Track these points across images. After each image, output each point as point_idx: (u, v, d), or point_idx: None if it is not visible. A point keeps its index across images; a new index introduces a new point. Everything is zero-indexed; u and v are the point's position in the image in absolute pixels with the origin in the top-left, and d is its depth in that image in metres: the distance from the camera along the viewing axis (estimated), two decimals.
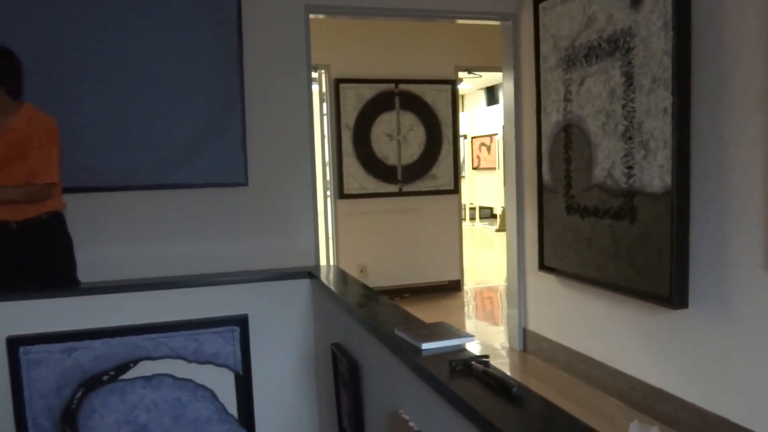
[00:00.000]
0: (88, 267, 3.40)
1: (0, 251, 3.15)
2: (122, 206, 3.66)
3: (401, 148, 6.55)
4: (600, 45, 3.61)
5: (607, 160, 3.58)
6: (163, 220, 3.74)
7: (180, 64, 3.68)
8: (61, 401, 2.85)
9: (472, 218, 13.50)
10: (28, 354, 2.81)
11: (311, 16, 4.02)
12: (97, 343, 2.87)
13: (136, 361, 2.91)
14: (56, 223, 3.23)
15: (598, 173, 3.66)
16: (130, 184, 3.63)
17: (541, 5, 4.19)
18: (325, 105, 6.44)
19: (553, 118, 4.12)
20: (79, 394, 2.87)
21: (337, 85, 6.31)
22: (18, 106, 3.06)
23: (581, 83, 3.79)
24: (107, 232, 3.64)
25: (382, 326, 2.04)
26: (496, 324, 5.79)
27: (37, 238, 3.13)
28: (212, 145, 3.73)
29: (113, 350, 2.89)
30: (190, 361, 2.97)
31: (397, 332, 1.89)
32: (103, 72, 3.58)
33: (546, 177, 4.23)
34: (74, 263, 3.32)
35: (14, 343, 2.78)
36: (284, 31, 3.90)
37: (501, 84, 5.67)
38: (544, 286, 4.46)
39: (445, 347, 1.73)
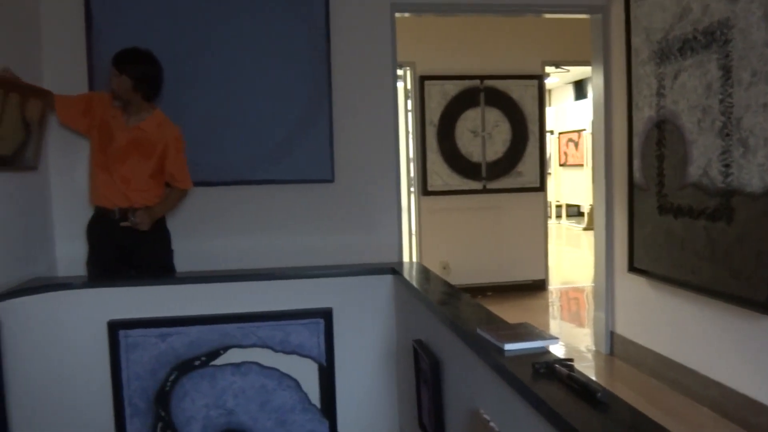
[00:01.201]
0: (184, 257, 3.56)
1: (102, 239, 3.37)
2: (217, 200, 3.81)
3: (486, 144, 6.49)
4: (695, 37, 3.46)
5: (702, 158, 3.43)
6: (254, 214, 3.86)
7: (272, 64, 3.79)
8: (156, 383, 3.01)
9: (558, 216, 13.22)
10: (127, 338, 2.97)
11: (397, 14, 4.04)
12: (191, 330, 3.01)
13: (226, 348, 3.03)
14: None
15: (693, 171, 3.52)
16: (225, 179, 3.77)
17: None
18: (409, 102, 6.46)
19: (645, 113, 3.98)
20: (172, 378, 3.01)
21: (421, 82, 6.32)
22: (149, 108, 3.33)
23: (675, 77, 3.65)
24: (203, 225, 3.79)
25: (465, 325, 2.04)
26: (581, 326, 5.66)
27: (140, 229, 3.31)
28: (301, 143, 3.82)
29: (205, 337, 3.02)
30: (276, 351, 3.06)
31: (480, 332, 1.89)
32: (204, 72, 3.73)
33: (637, 175, 4.10)
34: (171, 253, 3.49)
35: (115, 327, 2.95)
36: (370, 30, 3.94)
37: (590, 78, 5.52)
38: (633, 288, 4.33)
39: (529, 349, 1.72)
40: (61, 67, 3.56)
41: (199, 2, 3.71)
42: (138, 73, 3.22)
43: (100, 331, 2.93)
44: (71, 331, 2.92)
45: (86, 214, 3.45)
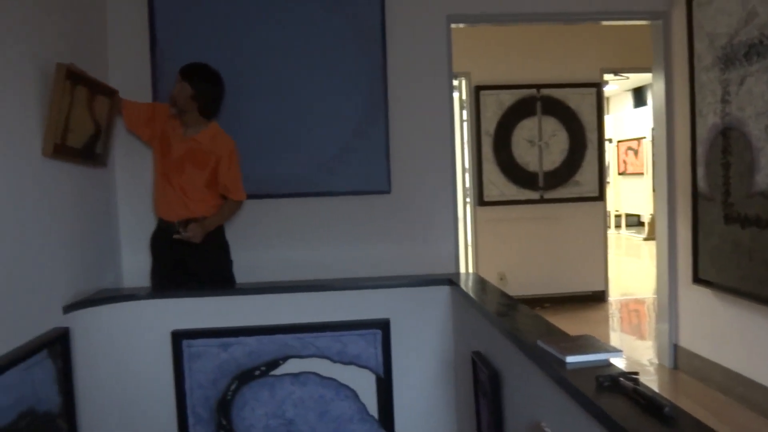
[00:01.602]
0: (243, 268, 3.62)
1: (163, 251, 3.46)
2: (275, 212, 3.87)
3: (543, 154, 6.42)
4: (762, 42, 3.36)
5: None
6: (311, 226, 3.91)
7: (329, 77, 3.84)
8: (217, 392, 3.07)
9: (618, 226, 12.93)
10: (190, 347, 3.05)
11: (453, 25, 4.04)
12: (251, 340, 3.06)
13: (285, 359, 3.07)
14: (216, 228, 3.49)
15: (761, 180, 3.40)
16: (283, 191, 3.83)
17: (695, 2, 3.96)
18: (465, 112, 6.44)
19: (709, 120, 3.87)
20: (233, 387, 3.07)
21: (477, 92, 6.30)
22: (205, 122, 3.41)
23: (741, 83, 3.54)
24: (261, 236, 3.85)
25: (524, 336, 2.02)
26: (643, 339, 5.52)
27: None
28: (357, 154, 3.86)
29: (265, 347, 3.06)
30: (334, 361, 3.09)
31: (540, 343, 1.87)
32: (261, 85, 3.80)
33: (701, 183, 3.98)
34: (231, 264, 3.56)
35: (178, 337, 3.02)
36: (426, 41, 3.95)
37: (650, 85, 5.40)
38: (698, 299, 4.20)
39: (591, 361, 1.69)
40: (126, 76, 3.66)
41: (257, 16, 3.79)
42: (200, 86, 3.31)
43: (164, 341, 3.02)
44: (137, 340, 3.01)
45: (151, 225, 3.56)
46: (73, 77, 2.83)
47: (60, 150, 2.76)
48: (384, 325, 3.09)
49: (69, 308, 2.81)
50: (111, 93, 3.29)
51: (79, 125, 2.95)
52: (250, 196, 3.67)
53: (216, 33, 3.76)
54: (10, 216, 2.40)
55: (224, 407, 3.07)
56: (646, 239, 11.22)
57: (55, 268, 2.78)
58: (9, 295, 2.36)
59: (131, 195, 3.70)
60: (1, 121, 2.38)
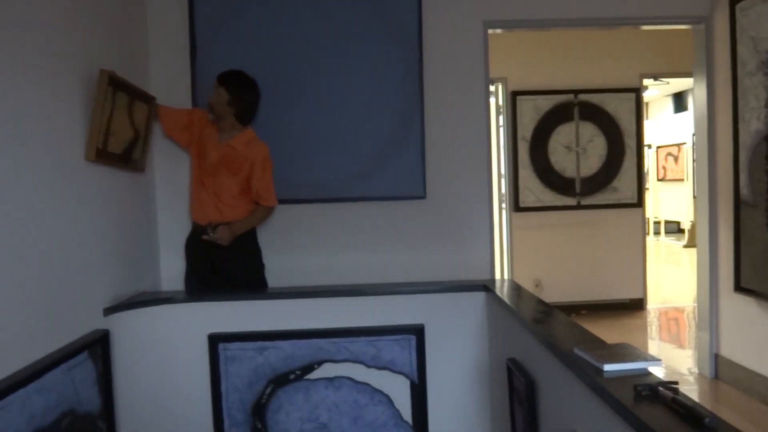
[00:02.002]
0: (277, 272, 3.66)
1: (196, 253, 3.52)
2: (310, 217, 3.90)
3: (580, 159, 6.35)
4: None
5: None
6: (346, 230, 3.92)
7: (365, 82, 3.85)
8: (253, 396, 3.09)
9: (657, 233, 12.71)
10: (226, 351, 3.08)
11: (489, 31, 4.03)
12: (286, 344, 3.08)
13: (320, 363, 3.08)
14: (248, 232, 3.53)
15: None
16: (318, 196, 3.86)
17: (738, 6, 3.88)
18: (501, 117, 6.41)
19: (752, 126, 3.79)
20: (268, 390, 3.09)
21: (513, 97, 6.26)
22: (241, 128, 3.47)
23: None
24: (296, 241, 3.88)
25: (561, 344, 2.00)
26: (682, 347, 5.41)
27: (230, 243, 3.41)
28: (393, 159, 3.86)
29: (300, 351, 3.08)
30: (368, 366, 3.09)
31: (577, 351, 1.85)
32: (297, 90, 3.84)
33: (744, 191, 3.89)
34: (262, 268, 3.59)
35: (215, 340, 3.06)
36: (463, 47, 3.94)
37: (690, 90, 5.31)
38: (740, 308, 4.10)
39: (629, 370, 1.67)
40: (166, 82, 3.73)
41: (294, 22, 3.83)
42: (235, 91, 3.37)
43: (201, 344, 3.06)
44: (174, 343, 3.06)
45: (189, 229, 3.61)
46: (115, 83, 2.89)
47: (102, 154, 2.83)
48: (418, 331, 3.08)
49: (109, 311, 2.87)
50: (149, 99, 3.36)
51: (120, 130, 3.02)
52: (286, 201, 3.70)
53: (255, 39, 3.80)
54: (54, 219, 2.46)
55: (259, 411, 3.09)
56: (685, 246, 11.02)
57: (96, 271, 2.84)
58: (51, 297, 2.42)
59: (170, 200, 3.76)
60: (47, 126, 2.44)
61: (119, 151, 3.06)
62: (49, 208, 2.43)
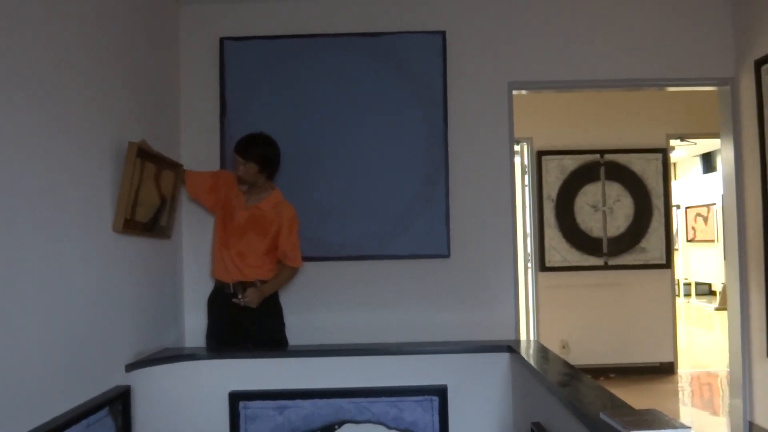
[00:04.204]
0: (299, 330, 3.65)
1: (219, 311, 3.53)
2: (334, 275, 3.91)
3: (607, 219, 6.30)
4: None
5: None
6: (370, 289, 3.91)
7: (390, 142, 3.91)
8: None
9: (687, 294, 12.47)
10: (246, 409, 3.05)
11: (514, 92, 4.08)
12: (306, 403, 3.05)
13: (340, 424, 3.04)
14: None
15: None
16: (342, 254, 3.88)
17: (763, 67, 3.89)
18: (526, 177, 6.41)
19: None
20: None
21: (539, 157, 6.28)
22: (270, 189, 3.54)
23: None
24: (319, 299, 3.88)
25: (587, 409, 1.95)
26: (716, 414, 5.22)
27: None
28: (417, 218, 3.88)
29: (320, 411, 3.04)
30: (390, 428, 3.03)
31: (603, 417, 1.80)
32: (325, 150, 3.91)
33: None
34: (284, 327, 3.59)
35: (236, 398, 3.04)
36: (488, 107, 3.99)
37: (718, 150, 5.28)
38: None
39: None
40: (197, 149, 3.86)
41: (320, 84, 3.93)
42: (263, 159, 3.43)
43: (221, 401, 3.04)
44: (195, 400, 3.04)
45: (211, 286, 3.63)
46: (143, 155, 2.97)
47: (129, 225, 2.90)
48: (441, 392, 3.03)
49: (131, 367, 2.87)
50: (176, 167, 3.44)
51: (147, 200, 3.09)
52: (310, 259, 3.72)
53: (283, 101, 3.93)
54: (80, 283, 2.52)
55: None
56: (717, 309, 10.76)
57: (119, 327, 2.86)
58: (74, 353, 2.44)
59: (196, 261, 3.84)
60: (76, 197, 2.52)
61: (146, 220, 3.14)
62: (76, 272, 2.49)
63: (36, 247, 2.21)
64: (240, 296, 3.37)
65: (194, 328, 3.75)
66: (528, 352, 3.01)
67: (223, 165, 3.83)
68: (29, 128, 2.19)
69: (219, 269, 3.51)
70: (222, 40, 3.91)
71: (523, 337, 5.18)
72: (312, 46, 3.93)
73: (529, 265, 6.43)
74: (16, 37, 2.13)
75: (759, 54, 3.92)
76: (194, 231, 3.83)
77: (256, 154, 3.41)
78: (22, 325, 2.12)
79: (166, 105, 3.66)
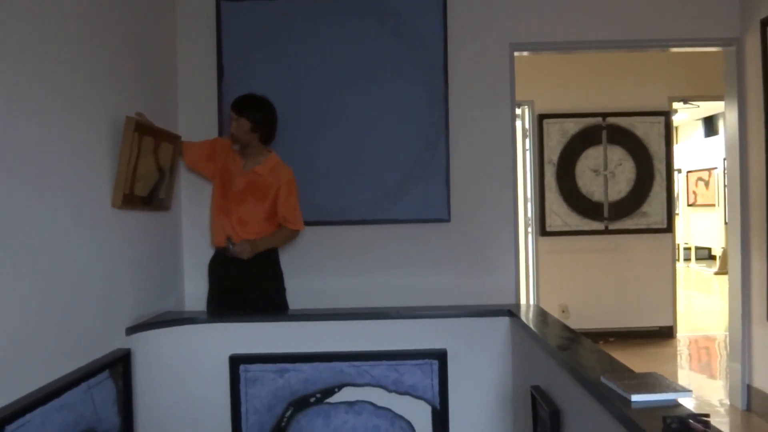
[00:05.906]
0: (299, 295, 3.64)
1: (218, 275, 3.53)
2: (334, 240, 3.89)
3: (608, 183, 6.26)
4: None
5: None
6: (370, 253, 3.91)
7: (391, 104, 3.86)
8: (272, 419, 3.06)
9: (687, 259, 12.50)
10: (246, 372, 3.06)
11: (516, 53, 4.01)
12: (306, 367, 3.05)
13: (340, 387, 3.05)
14: (271, 255, 3.53)
15: None
16: (342, 218, 3.86)
17: None
18: (527, 140, 6.36)
19: None
20: (288, 414, 3.06)
21: (540, 120, 6.22)
22: (266, 152, 3.49)
23: None
24: (319, 263, 3.88)
25: (587, 372, 1.94)
26: (713, 378, 5.26)
27: (252, 265, 3.43)
28: (418, 182, 3.85)
29: (320, 374, 3.05)
30: (389, 391, 3.05)
31: (604, 380, 1.79)
32: (324, 115, 3.87)
33: None
34: (284, 291, 3.58)
35: (236, 362, 3.04)
36: (489, 70, 3.93)
37: (721, 114, 5.23)
38: None
39: (658, 401, 1.61)
40: (194, 116, 3.81)
41: (319, 46, 3.86)
42: (256, 117, 3.38)
43: (222, 365, 3.04)
44: (195, 363, 3.05)
45: (211, 253, 3.62)
46: (141, 129, 2.93)
47: (128, 200, 2.88)
48: (441, 356, 3.03)
49: (131, 330, 2.88)
50: (174, 139, 3.40)
51: (146, 174, 3.07)
52: (310, 223, 3.70)
53: (282, 64, 3.86)
54: (79, 253, 2.51)
55: None
56: (717, 273, 10.80)
57: (119, 291, 2.86)
58: (74, 316, 2.43)
59: (195, 228, 3.82)
60: (74, 174, 2.49)
61: (145, 194, 3.12)
62: (76, 244, 2.49)
63: (35, 220, 2.20)
64: (231, 246, 3.33)
65: (195, 293, 3.75)
66: (528, 316, 3.01)
67: (221, 133, 3.79)
68: (26, 104, 2.15)
69: (218, 236, 3.49)
70: (218, 2, 3.83)
71: (523, 301, 5.19)
72: (311, 7, 3.85)
73: (530, 229, 6.42)
74: (7, 6, 2.07)
75: (765, 13, 3.85)
76: (193, 200, 3.81)
77: (250, 112, 3.36)
78: (23, 291, 2.12)
79: (162, 72, 3.60)
